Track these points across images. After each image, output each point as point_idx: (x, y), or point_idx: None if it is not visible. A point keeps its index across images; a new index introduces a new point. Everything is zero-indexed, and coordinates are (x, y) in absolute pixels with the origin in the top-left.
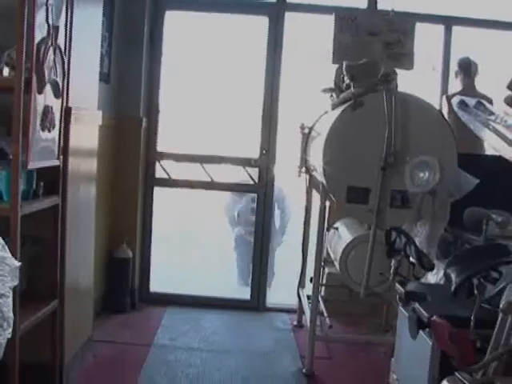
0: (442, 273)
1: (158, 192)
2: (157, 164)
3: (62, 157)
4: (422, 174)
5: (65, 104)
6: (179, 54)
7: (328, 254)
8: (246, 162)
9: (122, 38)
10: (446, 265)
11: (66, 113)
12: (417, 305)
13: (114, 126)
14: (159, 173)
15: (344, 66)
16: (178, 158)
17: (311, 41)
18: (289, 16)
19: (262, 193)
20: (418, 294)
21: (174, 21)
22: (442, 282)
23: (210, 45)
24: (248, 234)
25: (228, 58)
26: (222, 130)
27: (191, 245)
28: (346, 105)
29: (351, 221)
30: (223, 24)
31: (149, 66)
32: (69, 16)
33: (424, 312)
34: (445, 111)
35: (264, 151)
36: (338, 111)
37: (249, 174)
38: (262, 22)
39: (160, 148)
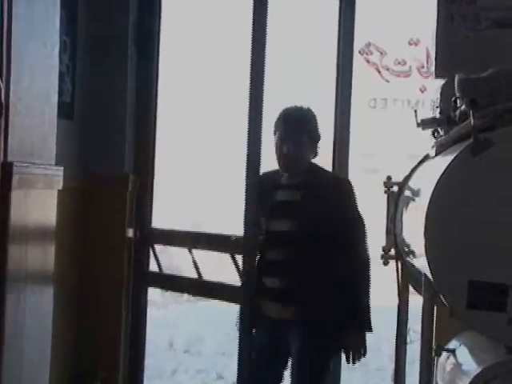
0: None
1: (156, 294)
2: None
3: None
4: None
5: (2, 158)
6: (187, 67)
7: None
8: None
9: (93, 45)
10: None
11: (5, 172)
12: None
13: (82, 190)
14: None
15: (457, 81)
16: (186, 239)
17: (391, 39)
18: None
19: None
20: None
21: (176, 12)
22: None
23: (235, 46)
24: None
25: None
26: None
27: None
28: (461, 146)
29: (477, 338)
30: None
31: (138, 88)
32: (6, 12)
33: None
34: None
35: None
36: (448, 157)
37: None
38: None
39: (157, 223)
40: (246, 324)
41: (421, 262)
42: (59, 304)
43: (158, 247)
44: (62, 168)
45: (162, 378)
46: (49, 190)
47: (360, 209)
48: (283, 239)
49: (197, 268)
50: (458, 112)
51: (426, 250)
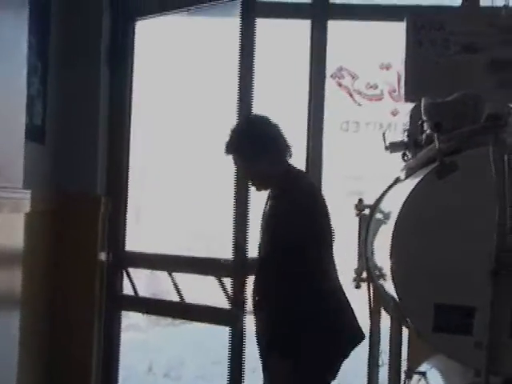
0: None
1: (139, 318)
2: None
3: None
4: None
5: None
6: (162, 89)
7: None
8: None
9: (65, 70)
10: None
11: None
12: None
13: (53, 213)
14: (129, 287)
15: (423, 105)
16: (159, 262)
17: (362, 63)
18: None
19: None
20: None
21: (149, 36)
22: None
23: (213, 68)
24: None
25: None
26: None
27: None
28: (428, 169)
29: (448, 361)
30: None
31: (110, 110)
32: None
33: None
34: None
35: None
36: (415, 180)
37: None
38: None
39: (131, 246)
40: (237, 346)
41: (389, 285)
42: (29, 327)
43: (146, 271)
44: (29, 191)
45: None
46: (15, 213)
47: (291, 235)
48: (258, 251)
49: (178, 290)
50: (424, 135)
51: (391, 273)
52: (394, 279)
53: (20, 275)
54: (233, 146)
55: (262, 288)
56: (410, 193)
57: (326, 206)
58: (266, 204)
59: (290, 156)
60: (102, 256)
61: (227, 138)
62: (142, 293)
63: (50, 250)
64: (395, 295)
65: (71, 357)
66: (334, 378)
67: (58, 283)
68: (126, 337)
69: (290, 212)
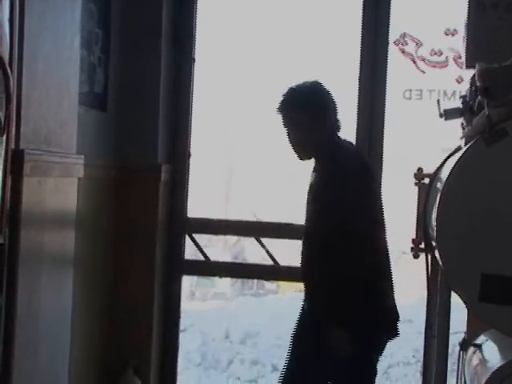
0: None
1: (189, 284)
2: (186, 238)
3: (7, 229)
4: None
5: (12, 145)
6: (221, 61)
7: None
8: None
9: (127, 37)
10: None
11: (15, 159)
12: None
13: (113, 180)
14: (190, 252)
15: (477, 70)
16: (220, 228)
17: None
18: None
19: None
20: None
21: (211, 8)
22: None
23: (270, 44)
24: None
25: (300, 64)
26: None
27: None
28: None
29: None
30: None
31: (172, 80)
32: (17, 4)
33: None
34: None
35: None
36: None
37: None
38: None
39: (192, 213)
40: None
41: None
42: (92, 291)
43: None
44: (82, 156)
45: (216, 368)
46: (67, 177)
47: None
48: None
49: (270, 255)
50: (476, 102)
51: (438, 242)
52: (439, 248)
53: (73, 237)
54: (282, 106)
55: (309, 258)
56: (458, 160)
57: (371, 178)
58: (312, 177)
59: (338, 129)
60: (163, 222)
61: (282, 97)
62: (227, 259)
63: (113, 216)
64: (441, 264)
65: (132, 321)
66: (379, 353)
67: (120, 248)
68: (210, 305)
69: (334, 181)
